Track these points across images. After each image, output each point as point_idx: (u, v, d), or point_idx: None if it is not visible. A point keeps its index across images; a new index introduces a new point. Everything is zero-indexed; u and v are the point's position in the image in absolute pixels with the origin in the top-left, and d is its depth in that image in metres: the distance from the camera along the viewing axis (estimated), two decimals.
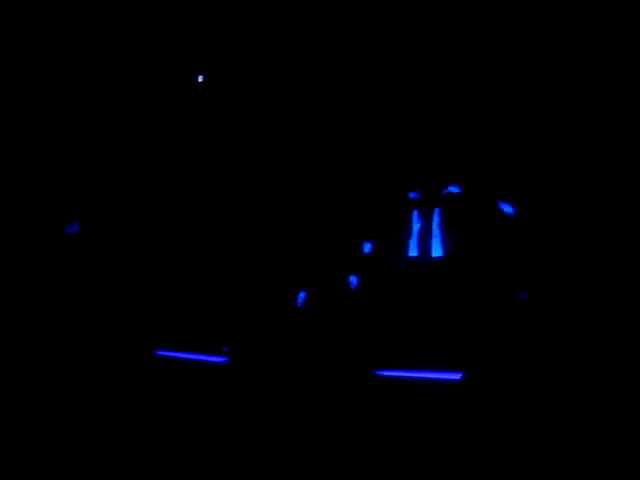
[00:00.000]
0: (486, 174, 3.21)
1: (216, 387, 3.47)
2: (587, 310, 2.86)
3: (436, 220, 3.29)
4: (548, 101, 3.11)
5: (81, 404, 3.52)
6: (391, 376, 3.16)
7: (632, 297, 2.78)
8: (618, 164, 2.93)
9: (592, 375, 2.75)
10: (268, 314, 3.56)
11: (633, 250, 2.84)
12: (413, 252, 3.32)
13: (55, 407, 3.51)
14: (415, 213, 3.34)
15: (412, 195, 3.36)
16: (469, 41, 3.27)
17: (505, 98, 3.20)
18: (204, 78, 4.03)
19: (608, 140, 2.97)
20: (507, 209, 3.14)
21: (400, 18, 3.43)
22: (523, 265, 3.05)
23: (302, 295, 3.50)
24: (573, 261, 2.94)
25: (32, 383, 3.64)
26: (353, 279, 3.42)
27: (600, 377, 2.74)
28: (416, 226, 3.32)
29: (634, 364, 2.69)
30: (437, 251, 3.26)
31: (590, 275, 2.89)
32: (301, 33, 3.65)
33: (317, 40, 3.61)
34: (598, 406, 2.69)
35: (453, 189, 3.26)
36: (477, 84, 3.25)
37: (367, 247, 3.43)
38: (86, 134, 4.15)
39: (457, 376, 3.02)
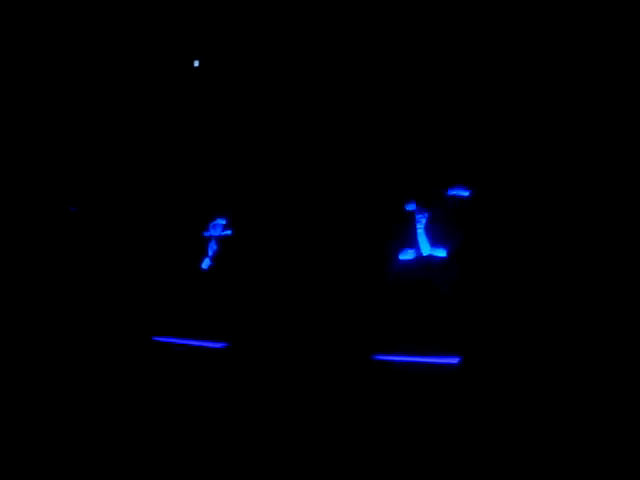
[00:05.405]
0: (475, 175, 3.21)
1: (214, 372, 3.47)
2: (583, 297, 2.84)
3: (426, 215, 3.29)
4: (528, 103, 3.09)
5: (80, 391, 3.53)
6: (388, 360, 3.16)
7: (628, 291, 2.77)
8: (600, 162, 2.91)
9: (590, 359, 2.74)
10: (266, 300, 3.56)
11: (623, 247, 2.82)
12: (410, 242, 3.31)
13: (55, 392, 3.53)
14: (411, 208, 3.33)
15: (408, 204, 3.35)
16: (463, 48, 3.26)
17: (487, 103, 3.20)
18: (200, 63, 4.02)
19: (590, 136, 2.95)
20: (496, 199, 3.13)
21: (398, 20, 3.41)
22: (518, 252, 3.04)
23: (300, 281, 3.50)
24: (568, 251, 2.93)
25: (33, 369, 3.65)
26: (351, 267, 3.41)
27: (598, 363, 2.73)
28: (414, 220, 3.31)
29: (632, 358, 2.68)
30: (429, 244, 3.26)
31: (584, 263, 2.88)
32: (302, 31, 3.64)
33: (317, 42, 3.60)
34: (597, 390, 2.68)
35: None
36: (462, 94, 3.25)
37: (364, 237, 3.42)
38: (83, 123, 4.14)
39: (454, 360, 3.02)
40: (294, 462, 2.97)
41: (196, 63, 4.02)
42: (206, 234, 3.79)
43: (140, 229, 3.96)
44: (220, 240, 3.75)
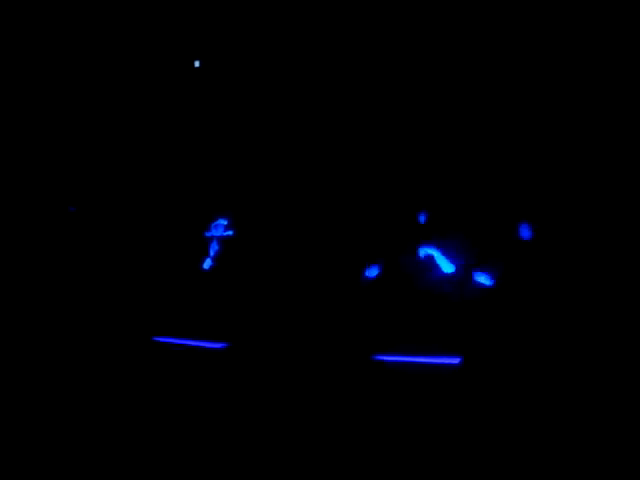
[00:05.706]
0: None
1: (214, 373, 3.47)
2: (583, 298, 2.86)
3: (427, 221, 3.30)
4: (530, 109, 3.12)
5: (80, 390, 3.52)
6: (389, 360, 3.17)
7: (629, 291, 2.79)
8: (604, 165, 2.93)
9: (589, 360, 2.77)
10: (267, 300, 3.56)
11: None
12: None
13: (55, 392, 3.51)
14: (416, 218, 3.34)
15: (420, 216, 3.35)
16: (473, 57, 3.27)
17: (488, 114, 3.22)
18: (200, 64, 4.02)
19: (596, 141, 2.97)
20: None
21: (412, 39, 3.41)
22: (517, 254, 3.06)
23: (301, 281, 3.50)
24: (566, 252, 2.95)
25: (33, 369, 3.64)
26: (351, 267, 3.42)
27: (597, 364, 2.75)
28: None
29: (630, 359, 2.70)
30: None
31: (584, 267, 2.90)
32: (311, 30, 3.63)
33: (328, 41, 3.59)
34: (596, 390, 2.70)
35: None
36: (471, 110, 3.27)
37: (363, 237, 3.43)
38: (83, 123, 4.13)
39: (455, 360, 3.03)
40: (294, 462, 2.97)
41: (197, 63, 4.01)
42: (208, 234, 3.79)
43: (141, 229, 3.95)
44: (222, 240, 3.76)
